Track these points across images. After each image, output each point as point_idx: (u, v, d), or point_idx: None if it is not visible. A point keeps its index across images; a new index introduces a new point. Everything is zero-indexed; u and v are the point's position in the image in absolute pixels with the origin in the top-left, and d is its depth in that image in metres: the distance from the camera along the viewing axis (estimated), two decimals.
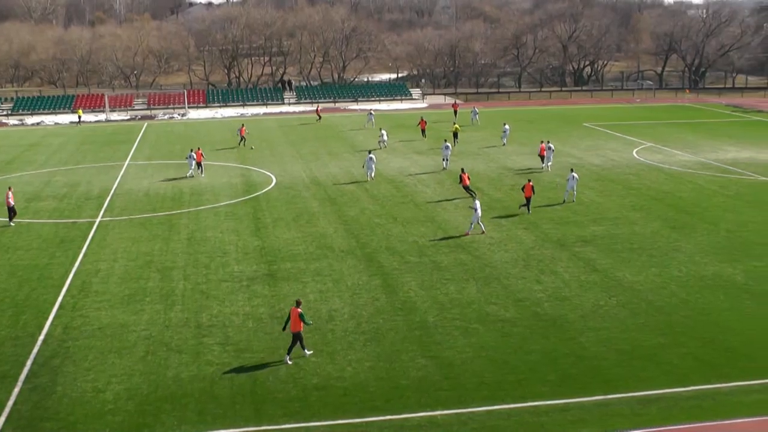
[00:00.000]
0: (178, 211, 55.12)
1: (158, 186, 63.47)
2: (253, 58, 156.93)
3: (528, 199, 53.79)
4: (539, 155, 70.97)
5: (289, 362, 31.12)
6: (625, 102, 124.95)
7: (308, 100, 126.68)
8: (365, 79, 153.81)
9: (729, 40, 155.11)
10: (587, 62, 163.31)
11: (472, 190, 58.21)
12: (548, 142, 71.28)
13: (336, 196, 59.08)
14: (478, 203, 49.35)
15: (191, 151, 69.29)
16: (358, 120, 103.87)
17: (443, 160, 69.85)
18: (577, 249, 45.78)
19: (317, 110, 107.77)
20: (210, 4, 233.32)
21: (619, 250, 45.62)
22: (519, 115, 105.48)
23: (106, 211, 55.69)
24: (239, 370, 30.62)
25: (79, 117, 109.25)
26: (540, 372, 30.30)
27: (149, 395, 28.76)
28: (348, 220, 52.24)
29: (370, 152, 66.82)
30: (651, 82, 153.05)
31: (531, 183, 53.85)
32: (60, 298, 38.43)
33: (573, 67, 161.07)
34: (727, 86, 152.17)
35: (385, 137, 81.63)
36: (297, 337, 31.25)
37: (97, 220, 53.05)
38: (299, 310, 31.18)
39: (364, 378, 29.89)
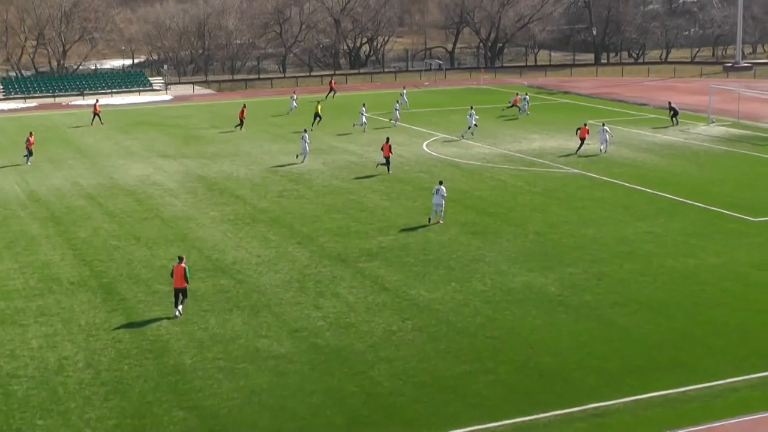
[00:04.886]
0: None
1: None
2: None
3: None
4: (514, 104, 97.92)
5: (178, 315, 39.18)
6: (411, 86, 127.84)
7: (20, 95, 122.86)
8: (93, 67, 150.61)
9: (528, 11, 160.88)
10: (365, 39, 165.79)
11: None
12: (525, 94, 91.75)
13: (62, 215, 57.68)
14: (443, 188, 53.66)
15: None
16: (85, 118, 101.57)
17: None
18: (362, 264, 46.48)
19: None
20: None
21: (412, 263, 46.64)
22: (284, 105, 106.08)
23: None
24: None
25: None
26: (324, 416, 30.58)
27: None
28: (78, 244, 51.12)
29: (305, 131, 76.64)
30: (441, 62, 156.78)
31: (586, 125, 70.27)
32: None
33: (348, 46, 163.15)
34: (528, 64, 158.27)
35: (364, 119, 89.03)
36: (181, 292, 39.55)
37: None
38: (183, 265, 39.29)
39: None
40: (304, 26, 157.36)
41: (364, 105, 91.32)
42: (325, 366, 34.50)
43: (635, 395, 31.56)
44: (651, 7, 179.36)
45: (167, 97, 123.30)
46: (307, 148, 74.00)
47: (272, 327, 38.46)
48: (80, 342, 37.18)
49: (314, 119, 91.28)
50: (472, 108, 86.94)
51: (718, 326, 37.84)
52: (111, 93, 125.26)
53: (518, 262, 46.62)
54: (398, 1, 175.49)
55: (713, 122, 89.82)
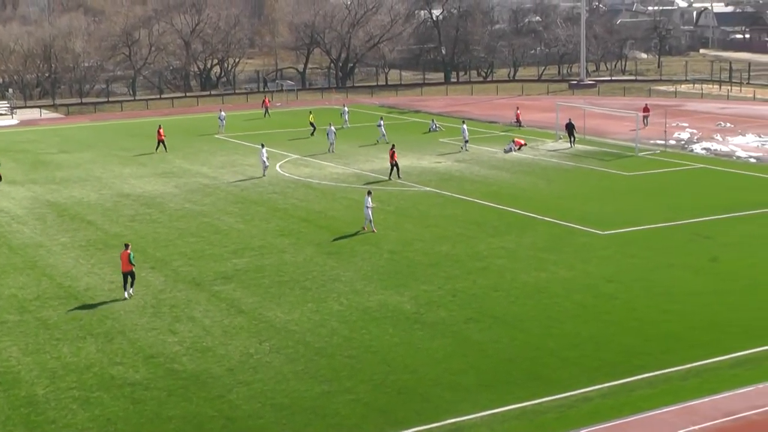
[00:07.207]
0: None
1: None
2: None
3: None
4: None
5: (127, 297, 44.04)
6: (262, 107, 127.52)
7: None
8: None
9: (378, 31, 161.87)
10: (215, 61, 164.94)
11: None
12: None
13: None
14: (369, 198, 56.25)
15: None
16: None
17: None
18: (217, 288, 46.20)
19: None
20: None
21: (268, 284, 46.52)
22: (135, 128, 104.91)
23: None
24: None
25: None
26: None
27: None
28: None
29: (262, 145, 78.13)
30: (292, 83, 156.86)
31: None
32: None
33: (198, 68, 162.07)
34: (379, 83, 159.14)
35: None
36: (129, 275, 44.32)
37: None
38: (128, 251, 43.94)
39: None
40: (153, 48, 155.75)
41: (382, 119, 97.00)
42: (183, 391, 34.15)
43: (492, 409, 31.97)
44: (498, 26, 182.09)
45: (13, 121, 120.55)
46: (267, 162, 75.90)
47: (127, 353, 37.91)
48: None
49: (312, 129, 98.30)
50: (464, 122, 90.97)
51: (570, 338, 38.61)
52: None
53: (374, 280, 46.86)
54: (248, 23, 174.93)
55: (560, 139, 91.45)
